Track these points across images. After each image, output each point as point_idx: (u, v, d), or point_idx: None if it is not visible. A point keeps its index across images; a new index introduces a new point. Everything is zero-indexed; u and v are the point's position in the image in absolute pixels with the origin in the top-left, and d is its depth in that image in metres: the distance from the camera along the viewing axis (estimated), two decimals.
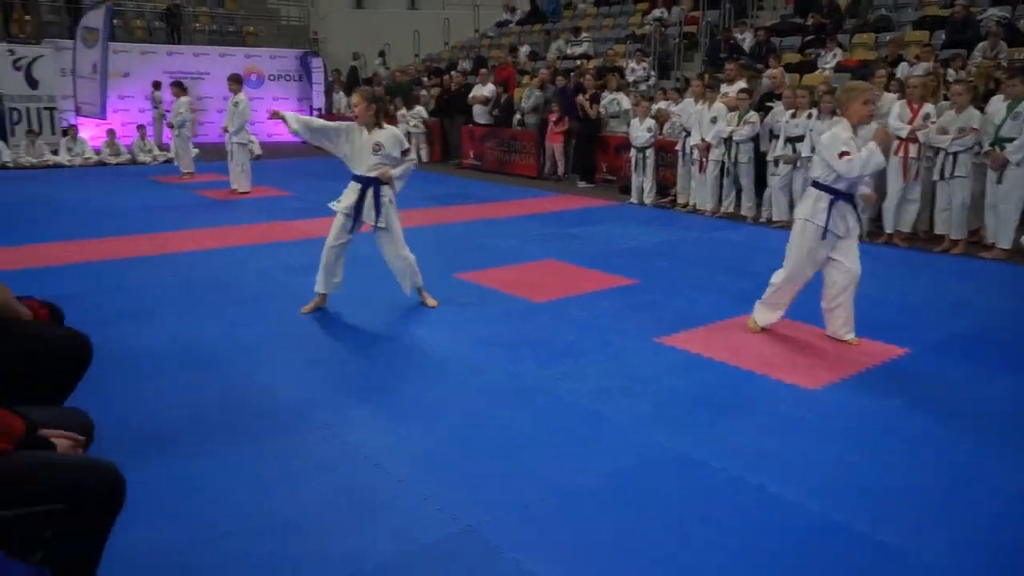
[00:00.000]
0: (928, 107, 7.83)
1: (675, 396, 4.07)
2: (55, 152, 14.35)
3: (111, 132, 14.91)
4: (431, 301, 5.60)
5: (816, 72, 11.60)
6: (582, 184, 12.26)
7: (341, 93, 18.99)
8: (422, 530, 2.82)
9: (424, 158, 15.33)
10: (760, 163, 9.24)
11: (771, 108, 9.24)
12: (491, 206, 10.34)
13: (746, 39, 13.45)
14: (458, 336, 4.99)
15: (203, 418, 3.74)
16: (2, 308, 2.77)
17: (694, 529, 2.85)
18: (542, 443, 3.53)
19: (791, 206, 8.46)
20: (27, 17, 16.08)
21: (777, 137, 8.84)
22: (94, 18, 14.63)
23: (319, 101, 19.54)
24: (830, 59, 11.87)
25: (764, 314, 5.15)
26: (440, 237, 8.21)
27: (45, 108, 15.00)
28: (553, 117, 12.70)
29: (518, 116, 13.99)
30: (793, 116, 8.57)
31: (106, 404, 3.56)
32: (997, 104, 7.45)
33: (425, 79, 17.38)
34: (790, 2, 14.66)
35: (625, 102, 11.90)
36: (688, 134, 9.89)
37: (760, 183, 9.32)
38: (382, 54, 20.95)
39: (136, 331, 4.99)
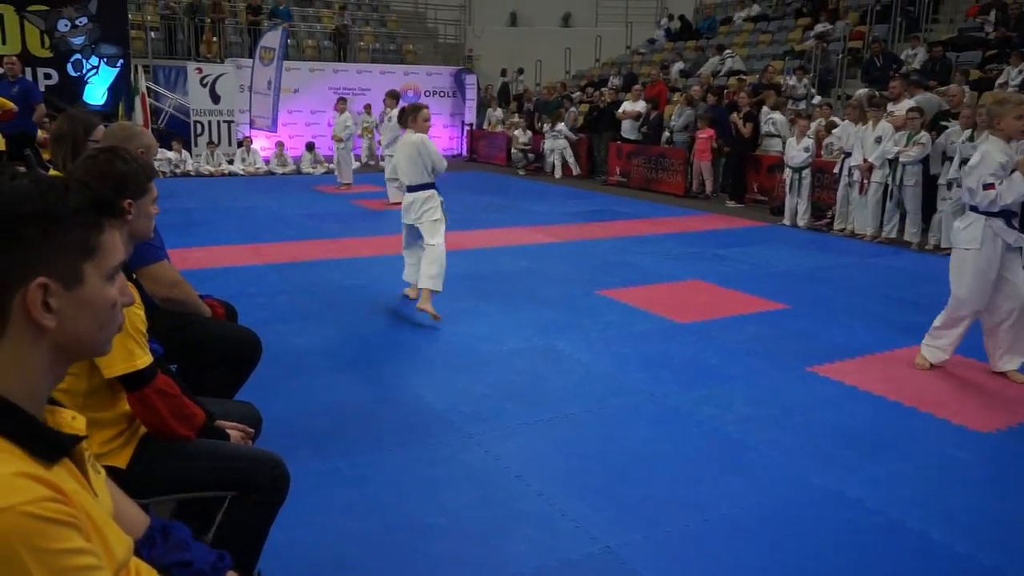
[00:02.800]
0: None
1: (827, 429, 3.87)
2: (231, 161, 15.59)
3: (280, 144, 16.00)
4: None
5: (996, 91, 10.73)
6: (731, 204, 11.93)
7: (497, 109, 19.45)
8: (561, 546, 2.82)
9: (559, 173, 15.51)
10: (928, 186, 8.64)
11: (946, 128, 8.63)
12: (636, 223, 10.25)
13: (917, 54, 12.64)
14: (600, 353, 4.97)
15: (353, 419, 3.92)
16: (189, 304, 3.04)
17: (847, 571, 2.69)
18: (683, 468, 3.45)
19: None
20: (214, 39, 17.60)
21: (951, 159, 8.24)
22: (271, 38, 15.81)
23: (470, 116, 20.09)
24: (1015, 75, 10.94)
25: (933, 352, 4.78)
26: (584, 253, 8.22)
27: (224, 121, 16.30)
28: (703, 134, 12.42)
29: (667, 134, 13.81)
30: (971, 137, 7.96)
31: (267, 399, 3.80)
32: None
33: (575, 95, 17.50)
34: (972, 14, 13.64)
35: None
36: (848, 155, 9.41)
37: (926, 207, 8.72)
38: (520, 71, 21.30)
39: (297, 332, 5.31)
